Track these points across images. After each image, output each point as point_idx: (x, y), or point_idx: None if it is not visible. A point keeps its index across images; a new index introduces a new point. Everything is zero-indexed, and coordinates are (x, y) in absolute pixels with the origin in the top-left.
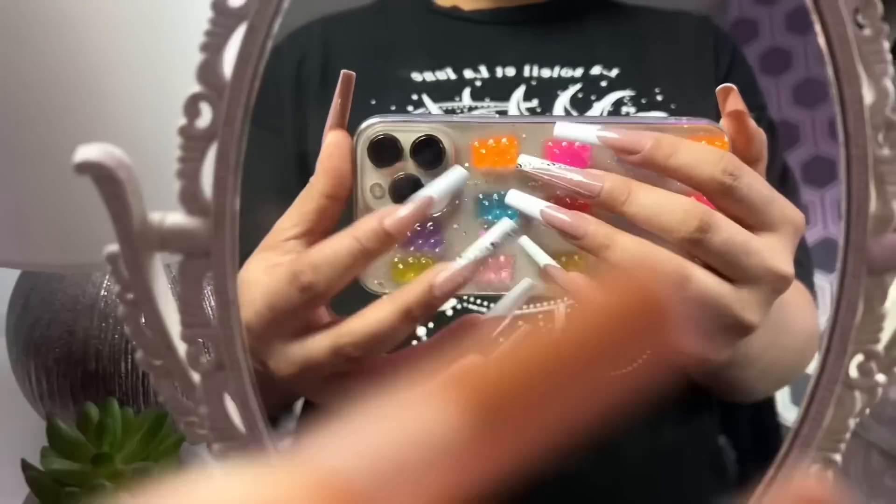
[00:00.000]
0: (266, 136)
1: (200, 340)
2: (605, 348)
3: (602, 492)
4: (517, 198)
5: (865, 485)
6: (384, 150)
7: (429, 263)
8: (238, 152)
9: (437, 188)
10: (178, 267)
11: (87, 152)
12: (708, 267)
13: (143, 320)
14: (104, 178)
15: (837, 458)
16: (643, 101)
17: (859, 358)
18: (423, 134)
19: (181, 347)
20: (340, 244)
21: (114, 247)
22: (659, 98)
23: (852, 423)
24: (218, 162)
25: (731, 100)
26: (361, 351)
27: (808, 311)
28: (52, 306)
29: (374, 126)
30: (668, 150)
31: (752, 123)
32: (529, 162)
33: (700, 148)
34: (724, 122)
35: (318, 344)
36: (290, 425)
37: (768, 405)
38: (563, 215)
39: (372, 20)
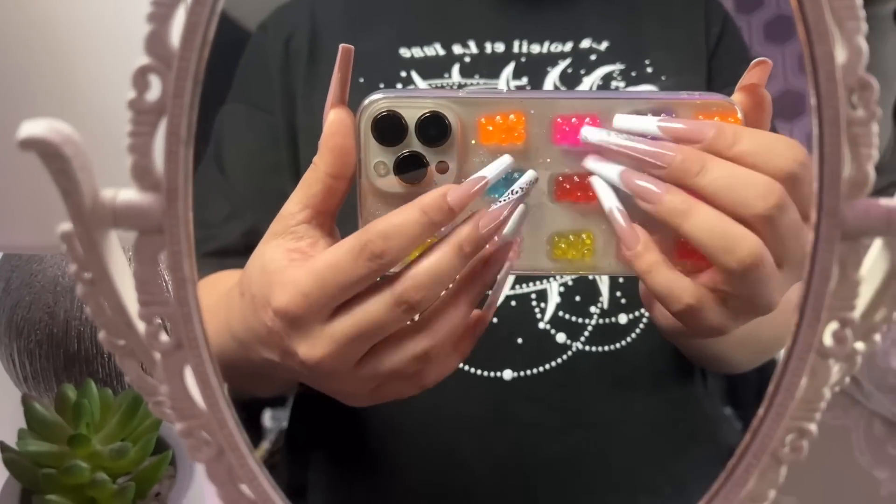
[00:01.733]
0: (256, 113)
1: (159, 319)
2: None
3: (597, 465)
4: (595, 164)
5: (868, 454)
6: (388, 127)
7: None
8: (189, 125)
9: (490, 170)
10: (133, 244)
11: (32, 128)
12: None
13: (103, 299)
14: (50, 154)
15: (812, 427)
16: (633, 74)
17: (834, 326)
18: (428, 110)
19: (141, 326)
20: (409, 216)
21: (67, 225)
22: (649, 70)
23: (827, 392)
24: (168, 135)
25: (754, 72)
26: (423, 293)
27: None
28: (32, 288)
29: (378, 102)
30: (731, 140)
31: (767, 95)
32: (596, 134)
33: (767, 136)
34: (737, 94)
35: (374, 304)
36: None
37: (773, 375)
38: (642, 177)
39: None
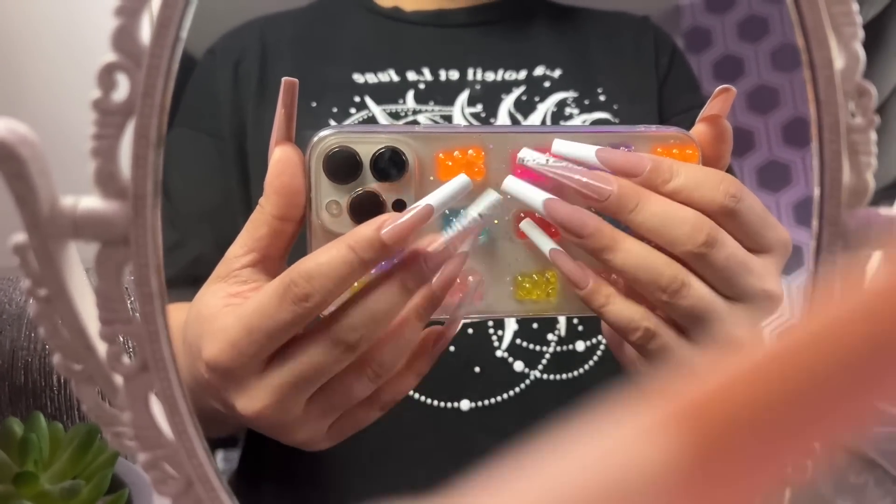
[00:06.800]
0: (203, 138)
1: (122, 339)
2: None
3: None
4: (516, 186)
5: (830, 482)
6: (341, 164)
7: None
8: (160, 126)
9: (437, 197)
10: (94, 257)
11: None
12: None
13: (59, 319)
14: (4, 155)
15: None
16: (586, 101)
17: None
18: (383, 145)
19: (101, 347)
20: (335, 253)
21: (21, 236)
22: (602, 98)
23: None
24: (137, 138)
25: (716, 102)
26: (361, 333)
27: None
28: None
29: (330, 138)
30: (668, 175)
31: (728, 126)
32: (533, 157)
33: (700, 170)
34: (698, 125)
35: (310, 347)
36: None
37: None
38: (568, 208)
39: (311, 20)
